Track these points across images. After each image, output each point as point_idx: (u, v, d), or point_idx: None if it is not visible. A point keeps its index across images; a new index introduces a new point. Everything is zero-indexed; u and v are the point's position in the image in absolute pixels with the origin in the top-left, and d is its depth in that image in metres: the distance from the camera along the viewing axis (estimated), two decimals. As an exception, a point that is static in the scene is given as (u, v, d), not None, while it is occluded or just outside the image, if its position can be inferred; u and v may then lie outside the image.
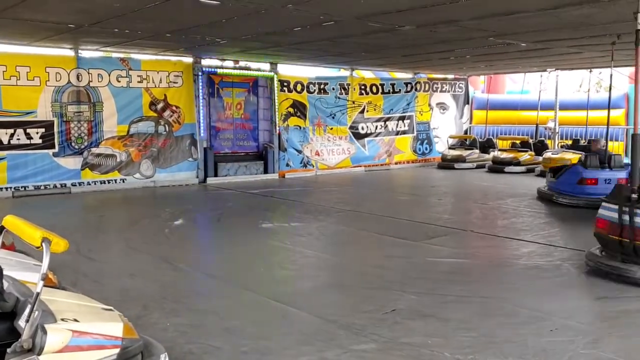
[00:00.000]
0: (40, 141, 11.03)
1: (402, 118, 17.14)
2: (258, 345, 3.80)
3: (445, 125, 18.59)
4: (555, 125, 17.24)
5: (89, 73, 11.51)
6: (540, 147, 15.97)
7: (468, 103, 19.42)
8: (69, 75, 11.28)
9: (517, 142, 16.71)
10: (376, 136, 16.52)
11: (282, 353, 3.66)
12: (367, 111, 16.28)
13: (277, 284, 5.48)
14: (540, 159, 15.08)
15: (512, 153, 15.89)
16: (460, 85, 18.86)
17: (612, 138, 17.00)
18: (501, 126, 19.42)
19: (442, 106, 18.53)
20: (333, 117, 15.51)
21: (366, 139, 16.29)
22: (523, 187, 12.36)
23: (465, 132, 19.19)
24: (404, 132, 17.20)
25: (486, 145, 17.36)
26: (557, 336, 3.98)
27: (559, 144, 16.57)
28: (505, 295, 4.95)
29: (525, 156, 15.64)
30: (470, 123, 19.82)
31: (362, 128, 16.23)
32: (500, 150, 16.83)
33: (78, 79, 11.38)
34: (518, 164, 15.38)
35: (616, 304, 4.83)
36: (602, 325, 4.26)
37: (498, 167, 15.53)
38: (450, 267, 5.91)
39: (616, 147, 16.96)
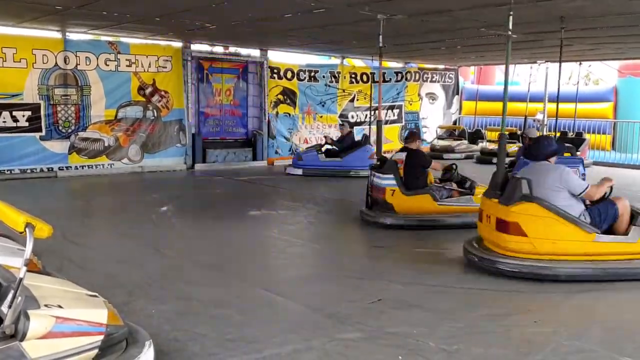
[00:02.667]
0: (26, 124, 10.89)
1: (392, 107, 17.12)
2: (244, 333, 3.80)
3: (434, 115, 18.62)
4: (544, 117, 17.31)
5: (76, 56, 11.36)
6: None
7: (458, 94, 19.45)
8: (56, 57, 11.12)
9: (506, 133, 16.77)
10: (369, 125, 16.48)
11: (268, 341, 3.66)
12: (357, 100, 16.25)
13: (264, 273, 5.48)
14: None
15: (501, 144, 15.92)
16: (450, 75, 18.88)
17: (600, 131, 17.15)
18: (490, 117, 19.48)
19: (432, 96, 18.54)
20: (323, 105, 15.46)
21: (356, 128, 16.24)
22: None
23: (455, 123, 19.23)
24: (392, 122, 17.20)
25: (475, 136, 17.41)
26: (541, 327, 4.02)
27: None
28: (490, 286, 4.98)
29: (513, 147, 15.69)
30: (460, 114, 19.86)
31: (352, 117, 16.21)
32: (488, 141, 16.89)
33: (65, 62, 11.23)
34: (507, 155, 15.42)
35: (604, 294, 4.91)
36: (585, 317, 4.30)
37: (486, 158, 15.57)
38: (437, 258, 5.93)
39: (603, 140, 17.10)
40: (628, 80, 17.71)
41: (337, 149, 12.42)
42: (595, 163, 15.26)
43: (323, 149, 12.50)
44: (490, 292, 4.80)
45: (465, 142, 17.04)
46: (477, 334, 3.87)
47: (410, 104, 17.69)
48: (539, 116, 17.54)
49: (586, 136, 15.50)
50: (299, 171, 12.18)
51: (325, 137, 13.27)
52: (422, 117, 18.19)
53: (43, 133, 11.11)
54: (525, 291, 4.80)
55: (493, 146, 15.98)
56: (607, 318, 4.30)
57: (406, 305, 4.42)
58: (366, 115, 16.52)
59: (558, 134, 15.61)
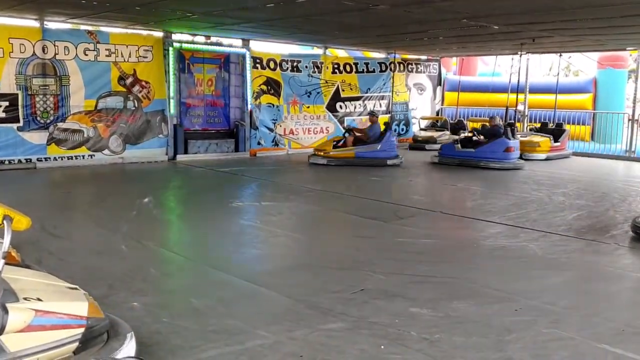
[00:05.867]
0: (3, 115, 10.69)
1: (380, 98, 17.12)
2: (226, 324, 3.79)
3: (423, 106, 18.66)
4: (525, 108, 17.47)
5: (55, 45, 11.17)
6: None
7: (440, 84, 19.51)
8: (33, 47, 10.92)
9: (487, 124, 16.87)
10: (359, 115, 16.49)
11: (251, 332, 3.66)
12: (343, 90, 16.20)
13: (247, 264, 5.47)
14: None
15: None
16: (435, 66, 18.91)
17: (580, 122, 17.36)
18: (472, 108, 19.59)
19: (420, 87, 18.58)
20: (309, 96, 15.39)
21: (345, 119, 16.25)
22: (492, 169, 12.51)
23: (437, 114, 19.30)
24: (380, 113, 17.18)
25: (457, 127, 17.49)
26: (521, 316, 4.07)
27: (528, 127, 16.81)
28: (472, 275, 5.04)
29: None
30: (442, 104, 19.94)
31: (341, 107, 16.18)
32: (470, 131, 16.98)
33: (43, 51, 11.03)
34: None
35: (579, 283, 4.99)
36: (565, 305, 4.37)
37: (468, 148, 15.67)
38: (419, 248, 5.98)
39: (582, 130, 17.32)
40: (607, 71, 17.92)
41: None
42: (575, 154, 15.46)
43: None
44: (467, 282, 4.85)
45: (448, 132, 17.13)
46: (458, 323, 3.91)
47: (397, 95, 17.68)
48: (520, 107, 17.69)
49: (566, 127, 15.67)
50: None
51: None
52: (412, 108, 18.20)
53: (21, 124, 10.91)
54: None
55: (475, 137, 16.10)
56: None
57: (388, 295, 4.45)
58: (355, 106, 16.49)
59: (538, 125, 15.81)
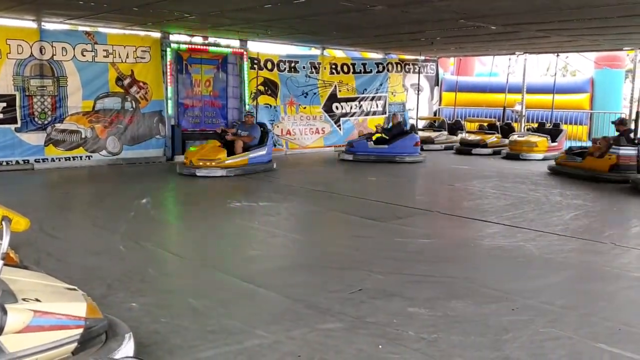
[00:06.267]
0: (1, 116, 10.69)
1: (375, 99, 17.13)
2: (225, 324, 3.80)
3: (420, 106, 18.66)
4: (522, 108, 17.51)
5: (52, 46, 11.17)
6: (507, 130, 16.24)
7: (438, 85, 19.53)
8: (31, 48, 10.91)
9: (485, 124, 16.94)
10: (351, 116, 16.50)
11: (249, 332, 3.67)
12: (340, 91, 16.22)
13: (245, 264, 5.47)
14: (507, 141, 15.38)
15: (480, 135, 16.10)
16: (432, 66, 18.93)
17: (577, 122, 17.41)
18: (469, 108, 19.63)
19: (417, 87, 18.58)
20: (305, 96, 15.40)
21: (342, 119, 16.26)
22: (489, 169, 12.55)
23: (434, 114, 19.34)
24: (375, 113, 17.21)
25: (454, 127, 17.54)
26: (518, 315, 4.08)
27: (525, 127, 16.85)
28: (469, 275, 5.05)
29: (492, 138, 15.87)
30: (440, 105, 19.97)
31: (337, 108, 16.19)
32: (467, 132, 17.03)
33: (41, 52, 11.03)
34: (485, 146, 15.60)
35: (576, 282, 5.01)
36: (562, 305, 4.38)
37: (465, 148, 15.73)
38: (417, 247, 5.99)
39: (580, 130, 17.37)
40: (604, 71, 17.97)
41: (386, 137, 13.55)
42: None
43: (374, 137, 13.65)
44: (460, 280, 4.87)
45: (445, 133, 17.17)
46: (456, 323, 3.92)
47: (394, 95, 17.69)
48: (517, 107, 17.74)
49: (563, 127, 15.72)
50: (350, 157, 13.42)
51: (375, 126, 14.39)
52: (409, 109, 18.22)
53: (18, 125, 10.91)
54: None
55: (472, 137, 16.14)
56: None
57: (386, 294, 4.46)
58: (351, 107, 16.50)
59: (536, 125, 15.83)
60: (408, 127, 17.98)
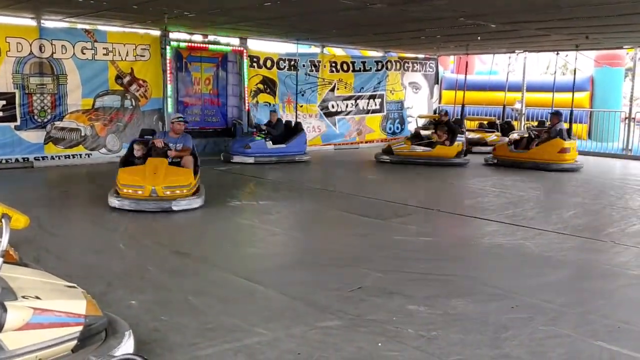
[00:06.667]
0: (0, 114, 10.69)
1: (373, 97, 17.12)
2: (224, 322, 3.80)
3: (418, 104, 18.67)
4: (522, 106, 17.50)
5: (52, 44, 11.15)
6: (506, 128, 16.21)
7: (438, 83, 19.52)
8: (31, 46, 10.90)
9: (485, 122, 16.91)
10: (347, 114, 16.49)
11: (249, 330, 3.67)
12: (338, 89, 16.21)
13: (245, 262, 5.47)
14: (507, 139, 15.34)
15: (479, 134, 16.08)
16: (431, 65, 18.92)
17: (576, 120, 17.38)
18: (469, 106, 19.59)
19: (415, 85, 18.57)
20: (302, 95, 15.39)
21: (337, 117, 16.25)
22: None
23: (434, 112, 19.31)
24: (374, 111, 17.21)
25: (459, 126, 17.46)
26: (518, 313, 4.09)
27: (525, 125, 16.83)
28: (469, 273, 5.06)
29: (492, 137, 15.85)
30: (440, 103, 19.95)
31: (333, 106, 16.18)
32: (468, 130, 16.99)
33: (41, 50, 11.02)
34: (485, 144, 15.58)
35: (575, 280, 5.01)
36: (561, 303, 4.38)
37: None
38: (417, 246, 5.99)
39: (579, 129, 17.34)
40: (604, 70, 17.96)
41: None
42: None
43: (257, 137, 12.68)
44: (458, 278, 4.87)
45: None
46: (455, 321, 3.92)
47: (392, 93, 17.68)
48: (517, 105, 17.73)
49: (564, 125, 15.66)
50: (251, 159, 12.30)
51: (254, 126, 13.39)
52: (407, 107, 18.20)
53: (18, 122, 10.91)
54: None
55: (472, 135, 16.12)
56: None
57: (386, 292, 4.46)
58: (347, 105, 16.49)
59: (535, 123, 15.82)
60: (407, 125, 18.07)
